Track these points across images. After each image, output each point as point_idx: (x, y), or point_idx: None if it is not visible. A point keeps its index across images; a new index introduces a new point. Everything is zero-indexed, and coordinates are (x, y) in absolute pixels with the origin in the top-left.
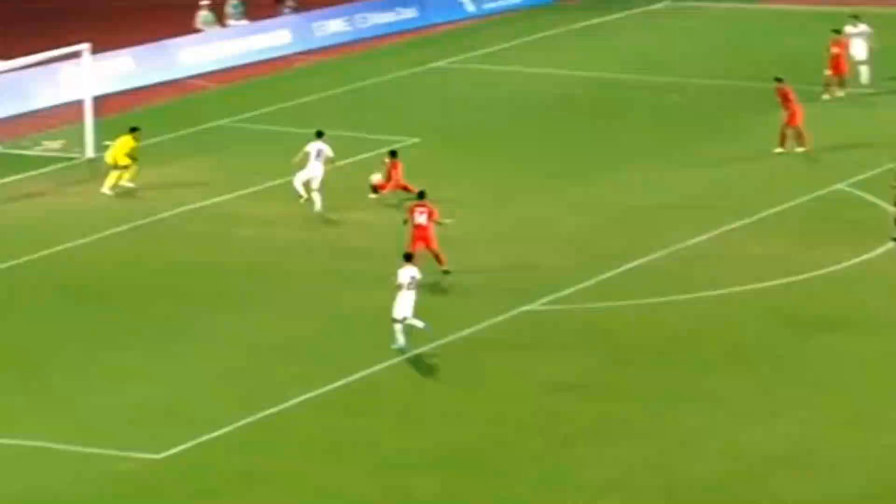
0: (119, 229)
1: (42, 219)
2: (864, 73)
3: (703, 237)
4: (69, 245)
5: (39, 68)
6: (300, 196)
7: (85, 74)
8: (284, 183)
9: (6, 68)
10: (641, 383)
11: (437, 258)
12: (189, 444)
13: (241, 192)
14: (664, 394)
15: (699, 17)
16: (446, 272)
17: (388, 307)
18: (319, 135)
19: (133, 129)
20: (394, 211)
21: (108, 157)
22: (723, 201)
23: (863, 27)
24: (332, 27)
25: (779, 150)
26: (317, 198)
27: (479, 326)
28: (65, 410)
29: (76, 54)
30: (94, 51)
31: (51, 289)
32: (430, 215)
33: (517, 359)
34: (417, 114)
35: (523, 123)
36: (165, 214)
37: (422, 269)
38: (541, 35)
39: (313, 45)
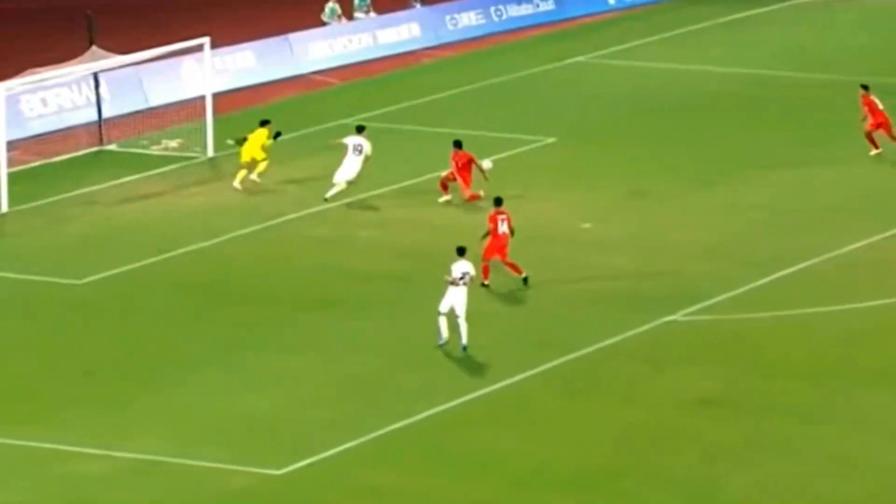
0: (241, 232)
1: (160, 220)
2: None
3: (860, 243)
4: (189, 248)
5: (158, 63)
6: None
7: (205, 70)
8: (412, 185)
9: (124, 63)
10: (790, 400)
11: (514, 267)
12: (311, 459)
13: (366, 195)
14: (814, 411)
15: (856, 9)
16: (526, 280)
17: (515, 315)
18: (360, 129)
19: (264, 123)
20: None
21: (245, 153)
22: (880, 205)
23: None
24: (464, 20)
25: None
26: (337, 187)
27: (619, 337)
28: (182, 420)
29: (196, 49)
30: (214, 45)
31: (169, 293)
32: (508, 222)
33: (658, 372)
34: (554, 112)
35: (665, 122)
36: (289, 217)
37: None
38: (684, 29)
39: (444, 40)
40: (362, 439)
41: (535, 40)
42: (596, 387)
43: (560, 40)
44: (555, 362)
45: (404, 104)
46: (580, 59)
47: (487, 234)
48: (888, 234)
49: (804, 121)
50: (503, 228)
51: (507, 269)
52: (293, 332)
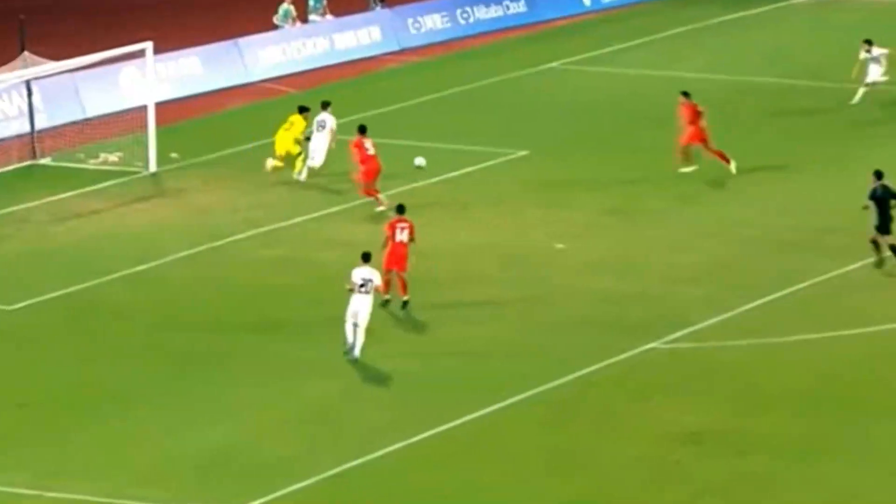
0: (186, 253)
1: (98, 241)
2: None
3: (854, 265)
4: (129, 271)
5: (96, 70)
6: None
7: (147, 77)
8: (372, 202)
9: (58, 70)
10: (780, 434)
11: (403, 284)
12: (264, 500)
13: (322, 213)
14: (806, 447)
15: (850, 11)
16: (405, 304)
17: (486, 341)
18: (325, 105)
19: (303, 109)
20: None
21: (279, 144)
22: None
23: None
24: (428, 23)
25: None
26: (308, 166)
27: (597, 366)
28: (123, 457)
29: (137, 54)
30: (157, 50)
31: (108, 320)
32: (410, 231)
33: (640, 403)
34: (525, 122)
35: (646, 133)
36: (237, 236)
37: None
38: (665, 33)
39: (407, 45)
40: (319, 477)
41: (504, 45)
42: (573, 419)
43: (532, 45)
44: (529, 392)
45: (364, 114)
46: (554, 65)
47: (386, 242)
48: (883, 255)
49: (793, 131)
50: (401, 237)
51: (398, 283)
52: (242, 360)
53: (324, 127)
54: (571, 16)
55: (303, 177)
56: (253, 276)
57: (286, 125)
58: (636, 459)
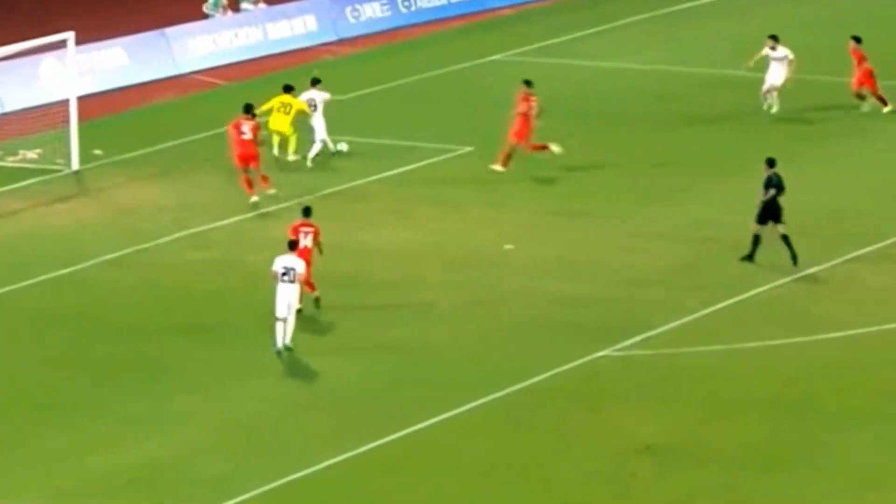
0: (111, 256)
1: (17, 242)
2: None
3: (822, 266)
4: (50, 275)
5: (13, 62)
6: (334, 149)
7: (69, 69)
8: (308, 202)
9: None
10: (743, 444)
11: (308, 285)
12: None
13: (252, 214)
14: (771, 457)
15: (824, 2)
16: (317, 301)
17: (429, 349)
18: (314, 82)
19: (288, 89)
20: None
21: (273, 122)
22: (844, 223)
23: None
24: (368, 12)
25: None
26: (316, 147)
27: (549, 374)
28: (47, 475)
29: (58, 45)
30: (80, 41)
31: (27, 327)
32: (315, 236)
33: (594, 413)
34: (471, 117)
35: (600, 129)
36: (166, 238)
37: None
38: (620, 22)
39: (345, 34)
40: (258, 491)
41: (448, 35)
42: (524, 430)
43: (477, 35)
44: (477, 402)
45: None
46: (500, 56)
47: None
48: (852, 255)
49: (757, 125)
50: (306, 242)
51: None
52: (172, 367)
53: (315, 107)
54: (519, 4)
55: (300, 157)
56: (181, 280)
57: (281, 108)
58: (591, 472)
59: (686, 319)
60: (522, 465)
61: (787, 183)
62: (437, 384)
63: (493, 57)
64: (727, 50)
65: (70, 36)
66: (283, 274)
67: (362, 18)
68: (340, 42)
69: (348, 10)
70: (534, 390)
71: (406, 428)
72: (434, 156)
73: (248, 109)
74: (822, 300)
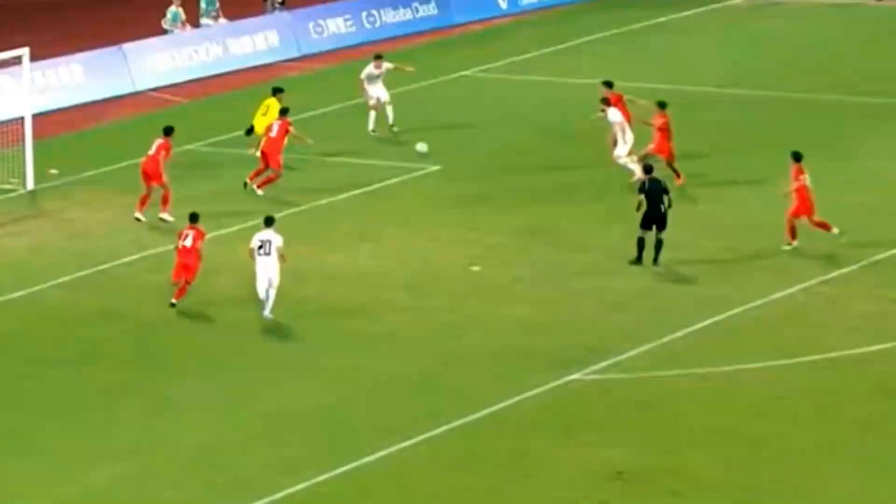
0: (64, 279)
1: None
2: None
3: (794, 288)
4: (3, 298)
5: None
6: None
7: (24, 86)
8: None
9: None
10: (718, 471)
11: (181, 292)
12: None
13: (219, 233)
14: (746, 485)
15: (782, 16)
16: (174, 305)
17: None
18: (275, 91)
19: (277, 91)
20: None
21: (259, 125)
22: (816, 245)
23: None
24: (331, 27)
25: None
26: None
27: (513, 400)
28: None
29: (12, 62)
30: (34, 57)
31: None
32: (196, 239)
33: (559, 441)
34: (437, 135)
35: (567, 147)
36: (123, 260)
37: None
38: (587, 38)
39: (308, 51)
40: None
41: (414, 50)
42: (487, 459)
43: (444, 51)
44: (439, 430)
45: None
46: (467, 72)
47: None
48: (826, 277)
49: (726, 144)
50: (186, 243)
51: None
52: (127, 396)
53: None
54: (486, 19)
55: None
56: (139, 304)
57: (262, 109)
58: (558, 500)
59: (657, 343)
60: (484, 494)
61: (766, 202)
62: (397, 413)
63: (460, 73)
64: (683, 67)
65: (25, 52)
66: (260, 247)
67: (325, 34)
68: (303, 58)
69: (311, 25)
70: (498, 417)
71: (365, 457)
72: (399, 174)
73: (284, 112)
74: (798, 322)
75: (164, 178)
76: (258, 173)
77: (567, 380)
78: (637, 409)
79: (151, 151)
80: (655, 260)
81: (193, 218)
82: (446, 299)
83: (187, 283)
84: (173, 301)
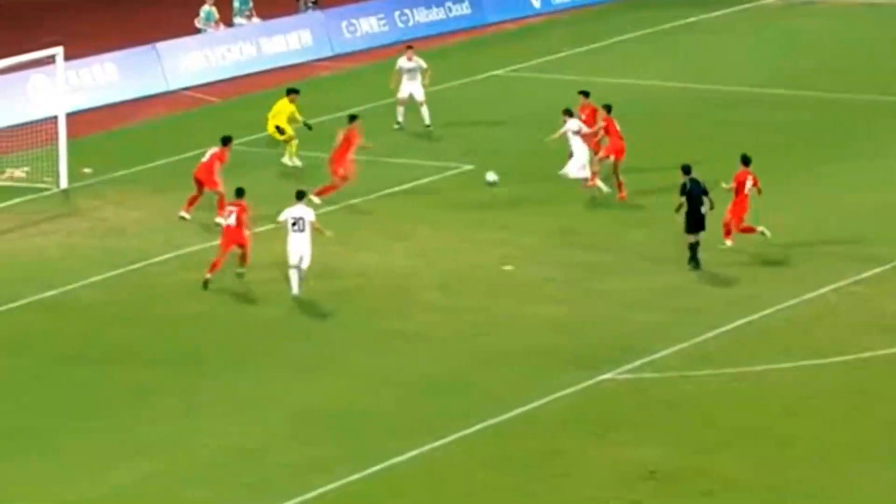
0: (98, 278)
1: (2, 264)
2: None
3: (827, 288)
4: (35, 297)
5: (0, 77)
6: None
7: (57, 85)
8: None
9: None
10: (750, 471)
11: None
12: None
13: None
14: (777, 485)
15: (818, 15)
16: (208, 281)
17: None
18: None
19: (292, 91)
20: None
21: (269, 127)
22: (850, 244)
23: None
24: (364, 27)
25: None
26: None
27: (547, 399)
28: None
29: (46, 61)
30: (68, 56)
31: (10, 351)
32: (239, 217)
33: (592, 440)
34: (470, 134)
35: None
36: (155, 259)
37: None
38: (620, 38)
39: (340, 50)
40: None
41: (447, 50)
42: (518, 459)
43: (477, 50)
44: (472, 429)
45: (295, 125)
46: (500, 71)
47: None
48: (858, 277)
49: (757, 144)
50: (230, 221)
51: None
52: (160, 395)
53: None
54: (519, 18)
55: (291, 161)
56: (172, 302)
57: (273, 113)
58: (590, 500)
59: (689, 342)
60: (516, 493)
61: (794, 202)
62: (430, 412)
63: (493, 72)
64: (717, 67)
65: (59, 51)
66: (293, 224)
67: (358, 33)
68: (336, 57)
69: (344, 24)
70: (530, 417)
71: (397, 456)
72: (433, 174)
73: (353, 118)
74: (829, 322)
75: (219, 184)
76: (328, 189)
77: (599, 379)
78: (669, 408)
79: (205, 159)
80: (694, 261)
81: (239, 192)
82: (479, 299)
83: (243, 253)
84: (207, 277)
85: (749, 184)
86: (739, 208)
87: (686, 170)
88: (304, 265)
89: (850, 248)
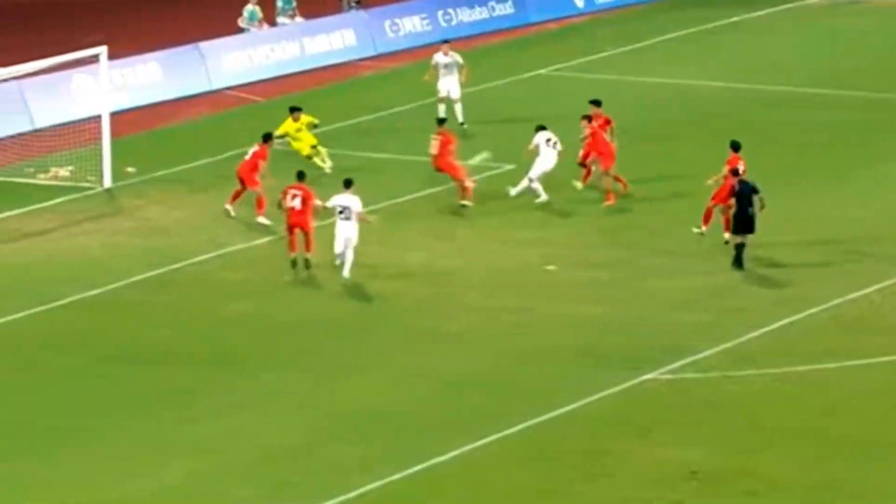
0: (142, 276)
1: (46, 263)
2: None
3: (872, 288)
4: (79, 296)
5: (45, 77)
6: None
7: (101, 85)
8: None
9: (4, 77)
10: (793, 472)
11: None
12: None
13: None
14: (821, 486)
15: (867, 14)
16: (297, 262)
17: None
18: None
19: (294, 110)
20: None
21: (302, 149)
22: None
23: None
24: (407, 26)
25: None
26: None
27: (589, 399)
28: (71, 503)
29: (90, 60)
30: (112, 56)
31: (56, 350)
32: (304, 200)
33: (635, 440)
34: (512, 133)
35: (643, 147)
36: (199, 258)
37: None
38: (665, 37)
39: (383, 49)
40: None
41: (490, 49)
42: (559, 459)
43: (520, 49)
44: (513, 429)
45: (338, 124)
46: (543, 71)
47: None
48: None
49: (800, 143)
50: (295, 204)
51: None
52: (203, 394)
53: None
54: (562, 18)
55: (327, 167)
56: (215, 302)
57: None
58: (632, 500)
59: (733, 342)
60: (557, 493)
61: (839, 201)
62: (470, 411)
63: (536, 72)
64: (770, 66)
65: (102, 51)
66: (340, 212)
67: (402, 33)
68: (379, 57)
69: (387, 24)
70: (572, 416)
71: (437, 456)
72: (475, 173)
73: (441, 122)
74: (873, 322)
75: (259, 184)
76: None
77: (642, 379)
78: (712, 408)
79: (247, 157)
80: (738, 262)
81: (300, 176)
82: (521, 298)
83: (307, 239)
84: (293, 256)
85: (740, 170)
86: (724, 192)
87: (735, 171)
88: (350, 253)
89: (894, 248)
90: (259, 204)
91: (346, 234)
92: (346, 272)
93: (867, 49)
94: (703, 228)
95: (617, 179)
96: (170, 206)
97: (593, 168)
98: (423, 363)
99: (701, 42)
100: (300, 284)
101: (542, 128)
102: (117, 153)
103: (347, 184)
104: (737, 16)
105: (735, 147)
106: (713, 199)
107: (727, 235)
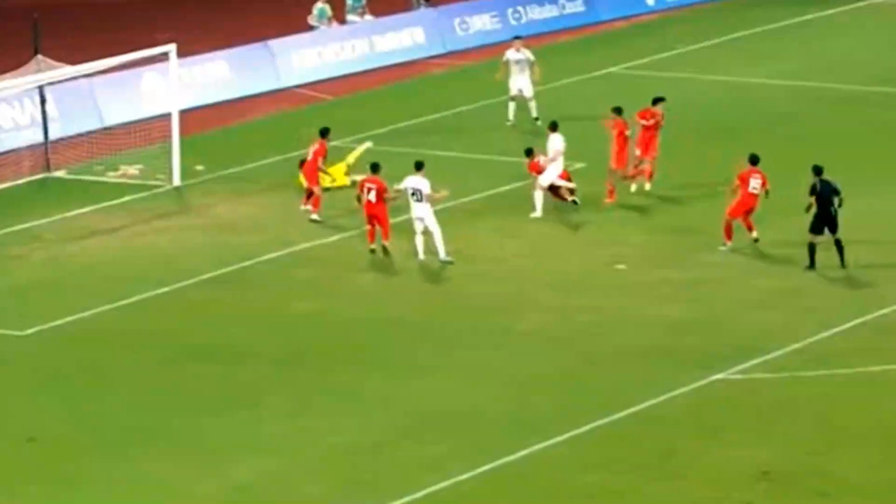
0: (212, 274)
1: (117, 261)
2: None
3: None
4: (150, 294)
5: (115, 75)
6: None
7: (171, 83)
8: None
9: (74, 75)
10: (866, 474)
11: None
12: None
13: (359, 231)
14: (894, 488)
15: None
16: (376, 250)
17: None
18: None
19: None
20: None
21: (339, 176)
22: None
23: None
24: (477, 24)
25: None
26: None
27: (660, 399)
28: (140, 500)
29: (160, 58)
30: (182, 54)
31: (126, 347)
32: (379, 192)
33: (706, 440)
34: (583, 131)
35: (717, 146)
36: (268, 256)
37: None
38: (735, 35)
39: (452, 47)
40: None
41: (560, 47)
42: (631, 457)
43: (591, 47)
44: (583, 429)
45: (406, 122)
46: (614, 69)
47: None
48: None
49: (873, 142)
50: (370, 197)
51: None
52: (275, 393)
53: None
54: (633, 16)
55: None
56: (284, 301)
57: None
58: (704, 500)
59: (804, 342)
60: (627, 493)
61: None
62: (541, 411)
63: (607, 70)
64: (841, 64)
65: (172, 48)
66: (412, 194)
67: (471, 31)
68: (448, 55)
69: (456, 21)
70: (642, 416)
71: (508, 455)
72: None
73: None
74: None
75: (317, 182)
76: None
77: (713, 379)
78: (783, 408)
79: (309, 157)
80: (842, 262)
81: (374, 168)
82: (591, 297)
83: (384, 230)
84: (372, 247)
85: (756, 183)
86: (740, 205)
87: (817, 170)
88: (435, 231)
89: None
90: (315, 202)
91: (422, 217)
92: (442, 255)
93: None
94: (728, 244)
95: (622, 179)
96: (238, 203)
97: (647, 167)
98: (494, 363)
99: (771, 40)
100: (370, 285)
101: (555, 126)
102: (186, 151)
103: (419, 166)
104: (807, 14)
105: (753, 161)
106: (730, 213)
107: (755, 234)
